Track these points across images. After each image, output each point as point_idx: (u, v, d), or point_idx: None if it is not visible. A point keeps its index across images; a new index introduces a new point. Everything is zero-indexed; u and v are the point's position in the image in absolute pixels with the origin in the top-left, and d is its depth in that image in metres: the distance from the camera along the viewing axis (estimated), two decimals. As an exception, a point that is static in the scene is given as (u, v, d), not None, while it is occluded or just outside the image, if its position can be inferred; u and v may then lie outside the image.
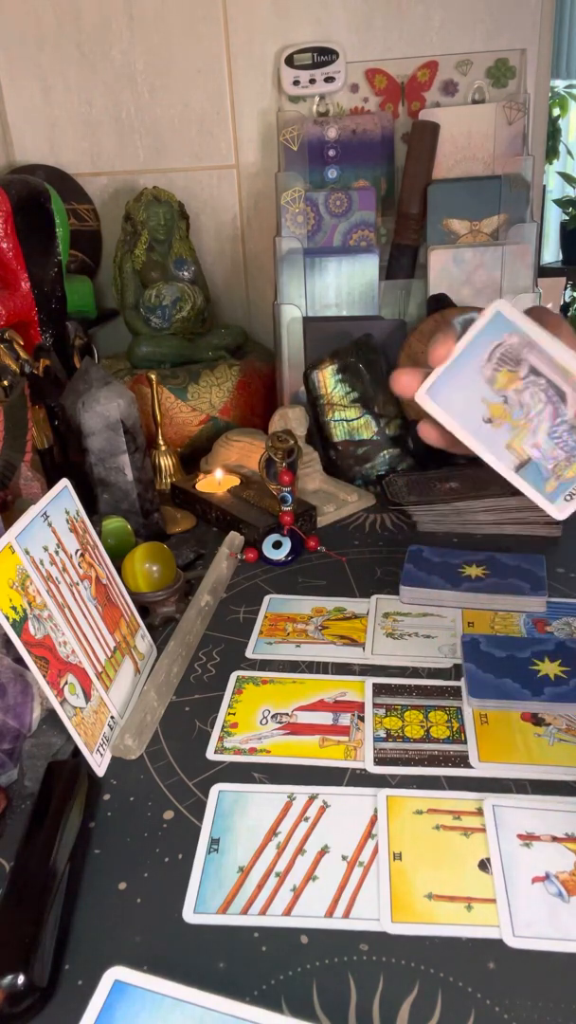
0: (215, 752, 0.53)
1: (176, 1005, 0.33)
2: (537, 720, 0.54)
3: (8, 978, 0.37)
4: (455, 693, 0.58)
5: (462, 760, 0.52)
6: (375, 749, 0.53)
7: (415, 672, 0.60)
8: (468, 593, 0.68)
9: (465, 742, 0.53)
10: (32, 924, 0.39)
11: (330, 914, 0.42)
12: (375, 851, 0.45)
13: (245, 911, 0.42)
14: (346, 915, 0.42)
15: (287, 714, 0.57)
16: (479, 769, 0.51)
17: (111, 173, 1.17)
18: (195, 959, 0.40)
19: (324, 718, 0.56)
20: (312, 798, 0.49)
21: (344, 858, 0.45)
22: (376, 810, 0.48)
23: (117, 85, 1.12)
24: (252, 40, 1.07)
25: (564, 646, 0.61)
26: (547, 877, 0.43)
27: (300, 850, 0.45)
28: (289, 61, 1.05)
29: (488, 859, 0.44)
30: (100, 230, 1.20)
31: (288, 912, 0.42)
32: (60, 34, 1.09)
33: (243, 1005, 0.33)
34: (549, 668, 0.58)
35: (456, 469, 0.91)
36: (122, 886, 0.44)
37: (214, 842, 0.46)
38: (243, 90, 1.10)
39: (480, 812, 0.47)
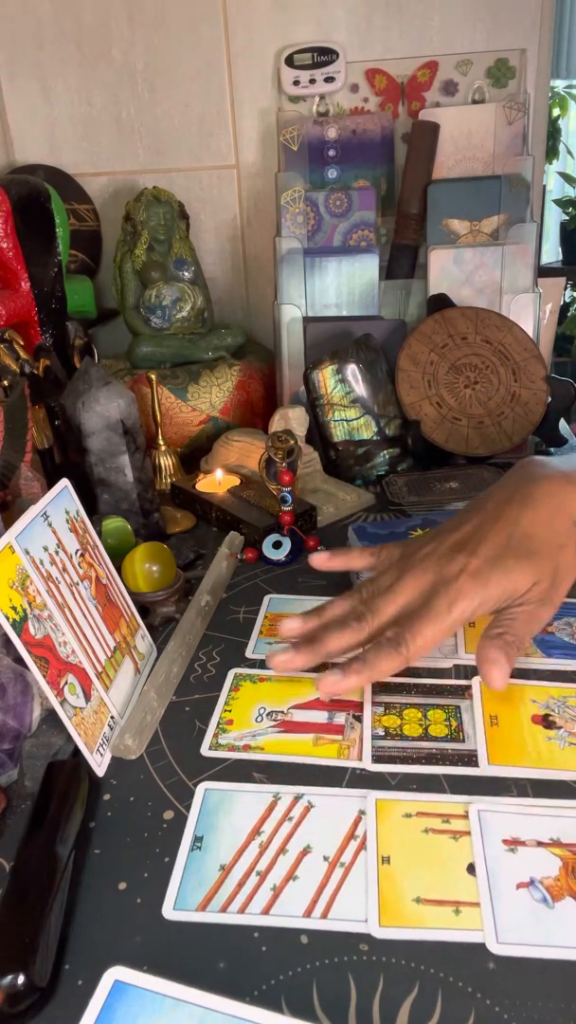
0: (209, 748, 0.53)
1: (176, 1005, 0.33)
2: (548, 723, 0.54)
3: (8, 978, 0.36)
4: (454, 692, 0.58)
5: (460, 759, 0.52)
6: (373, 747, 0.53)
7: (414, 672, 0.60)
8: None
9: (464, 740, 0.53)
10: (32, 924, 0.39)
11: (325, 916, 0.41)
12: (357, 851, 0.45)
13: (224, 909, 0.42)
14: (324, 916, 0.41)
15: (282, 712, 0.57)
16: (488, 772, 0.50)
17: (111, 173, 1.17)
18: (196, 959, 0.40)
19: (319, 716, 0.56)
20: (297, 798, 0.49)
21: (326, 859, 0.44)
22: (362, 811, 0.47)
23: (117, 85, 1.12)
24: (252, 40, 1.07)
25: (429, 520, 0.78)
26: (532, 883, 0.43)
27: (282, 849, 0.45)
28: (289, 61, 1.05)
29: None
30: (100, 230, 1.20)
31: (266, 911, 0.42)
32: (60, 34, 1.10)
33: (243, 1005, 0.33)
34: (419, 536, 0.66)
35: (456, 469, 0.92)
36: (122, 886, 0.44)
37: (197, 839, 0.46)
38: (243, 90, 1.10)
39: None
